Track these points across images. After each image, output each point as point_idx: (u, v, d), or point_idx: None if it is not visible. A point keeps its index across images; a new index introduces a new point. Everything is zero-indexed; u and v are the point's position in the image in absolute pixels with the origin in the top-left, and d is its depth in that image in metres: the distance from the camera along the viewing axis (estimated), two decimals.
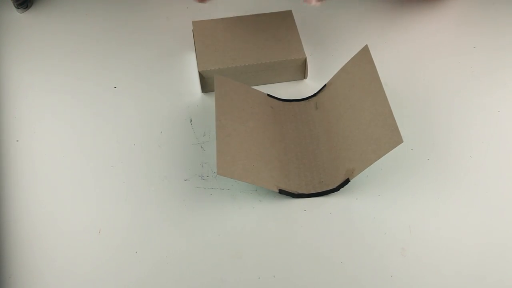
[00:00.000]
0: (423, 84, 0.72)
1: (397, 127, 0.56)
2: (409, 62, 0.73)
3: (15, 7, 0.84)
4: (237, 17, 0.76)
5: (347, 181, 0.59)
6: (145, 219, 0.59)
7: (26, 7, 0.85)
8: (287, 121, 0.68)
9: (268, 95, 0.70)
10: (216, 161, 0.56)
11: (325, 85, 0.70)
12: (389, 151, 0.56)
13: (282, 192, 0.60)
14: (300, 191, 0.61)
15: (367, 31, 0.80)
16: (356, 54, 0.67)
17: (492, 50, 0.76)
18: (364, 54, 0.66)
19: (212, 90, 0.71)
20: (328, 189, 0.60)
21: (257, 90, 0.69)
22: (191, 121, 0.69)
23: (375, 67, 0.63)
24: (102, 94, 0.73)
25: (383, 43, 0.77)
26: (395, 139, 0.56)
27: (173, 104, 0.71)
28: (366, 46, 0.66)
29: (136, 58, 0.77)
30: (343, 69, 0.68)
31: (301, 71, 0.72)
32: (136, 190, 0.62)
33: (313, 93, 0.71)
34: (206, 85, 0.70)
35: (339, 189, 0.60)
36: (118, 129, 0.68)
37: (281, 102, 0.70)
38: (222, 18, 0.75)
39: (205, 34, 0.73)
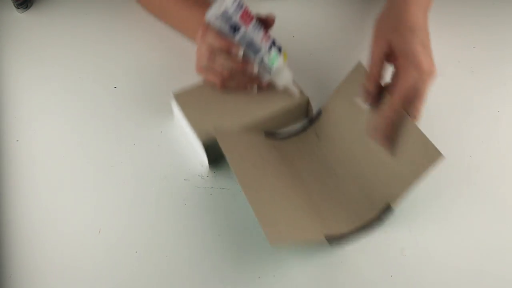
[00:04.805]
0: None
1: (429, 140, 0.54)
2: None
3: (15, 7, 0.84)
4: None
5: (389, 209, 0.56)
6: (145, 219, 0.59)
7: (26, 7, 0.85)
8: (294, 158, 0.63)
9: (266, 133, 0.65)
10: (264, 232, 0.50)
11: (320, 111, 0.66)
12: (429, 168, 0.53)
13: (331, 240, 0.55)
14: (342, 231, 0.56)
15: (366, 31, 0.80)
16: (349, 73, 0.63)
17: (491, 50, 0.76)
18: (359, 72, 0.62)
19: (219, 157, 0.62)
20: (368, 219, 0.56)
21: (256, 133, 0.64)
22: None
23: None
24: (102, 94, 0.73)
25: None
26: (431, 153, 0.53)
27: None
28: (360, 63, 0.63)
29: (136, 58, 0.77)
30: (338, 92, 0.64)
31: (304, 112, 0.68)
32: (136, 189, 0.62)
33: (308, 121, 0.67)
34: (212, 153, 0.62)
35: (383, 220, 0.56)
36: (118, 129, 0.68)
37: (281, 141, 0.65)
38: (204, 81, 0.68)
39: (191, 101, 0.66)
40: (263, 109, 0.65)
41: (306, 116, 0.68)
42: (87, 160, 0.65)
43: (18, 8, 0.85)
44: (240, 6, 0.61)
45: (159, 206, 0.60)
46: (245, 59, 0.63)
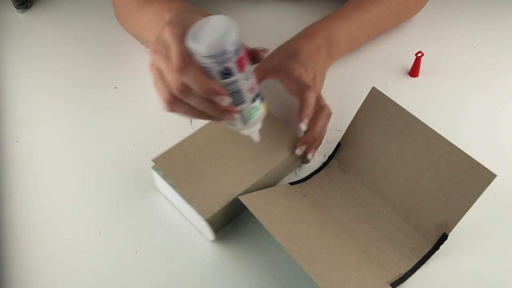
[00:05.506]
0: (423, 84, 0.72)
1: (479, 162, 0.52)
2: (409, 62, 0.73)
3: (15, 7, 0.84)
4: (201, 129, 0.62)
5: (444, 237, 0.54)
6: (145, 219, 0.59)
7: (26, 7, 0.85)
8: (326, 201, 0.59)
9: (290, 183, 0.61)
10: None
11: (339, 144, 0.63)
12: (484, 190, 0.51)
13: (394, 284, 0.52)
14: (401, 272, 0.53)
15: None
16: (365, 100, 0.60)
17: (492, 50, 0.76)
18: (375, 97, 0.59)
19: (222, 227, 0.58)
20: (426, 253, 0.54)
21: (282, 187, 0.60)
22: (191, 121, 0.68)
23: (399, 106, 0.57)
24: (102, 94, 0.73)
25: (386, 41, 0.77)
26: (484, 175, 0.51)
27: None
28: (374, 88, 0.59)
29: (136, 58, 0.77)
30: (355, 121, 0.61)
31: (300, 159, 0.63)
32: (136, 190, 0.62)
33: (327, 158, 0.63)
34: (216, 227, 0.56)
35: (438, 247, 0.54)
36: (118, 129, 0.68)
37: (306, 183, 0.61)
38: (188, 138, 0.60)
39: (178, 168, 0.57)
40: (265, 165, 0.58)
41: (302, 163, 0.63)
42: (87, 160, 0.65)
43: (18, 8, 0.85)
44: (240, 47, 0.46)
45: (159, 207, 0.60)
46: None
